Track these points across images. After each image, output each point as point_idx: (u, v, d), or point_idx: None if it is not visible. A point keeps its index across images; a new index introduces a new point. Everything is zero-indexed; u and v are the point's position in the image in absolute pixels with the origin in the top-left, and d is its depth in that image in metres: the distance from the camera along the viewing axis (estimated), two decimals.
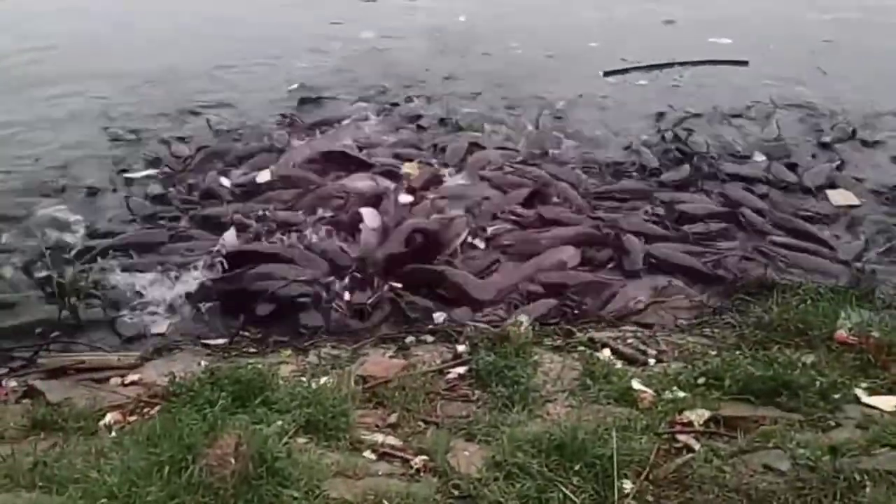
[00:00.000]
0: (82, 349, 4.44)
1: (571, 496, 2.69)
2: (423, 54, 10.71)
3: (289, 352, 4.23)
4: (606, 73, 9.53)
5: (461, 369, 3.81)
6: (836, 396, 3.36)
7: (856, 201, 6.45)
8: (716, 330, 4.28)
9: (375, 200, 6.27)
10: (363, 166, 6.91)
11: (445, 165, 7.03)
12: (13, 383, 3.93)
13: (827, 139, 7.69)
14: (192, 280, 5.34)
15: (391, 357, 4.07)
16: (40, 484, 2.77)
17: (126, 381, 3.87)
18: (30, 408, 3.54)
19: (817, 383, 3.39)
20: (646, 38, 11.18)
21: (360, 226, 5.78)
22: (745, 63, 9.83)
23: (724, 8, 12.56)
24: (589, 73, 9.68)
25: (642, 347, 4.10)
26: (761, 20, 11.79)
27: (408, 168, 6.83)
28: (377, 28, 11.89)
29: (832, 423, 3.21)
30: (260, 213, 6.15)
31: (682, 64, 9.83)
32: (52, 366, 4.05)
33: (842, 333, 3.92)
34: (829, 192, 6.57)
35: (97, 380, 3.89)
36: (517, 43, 11.04)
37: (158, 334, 4.51)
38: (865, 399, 3.39)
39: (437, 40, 11.20)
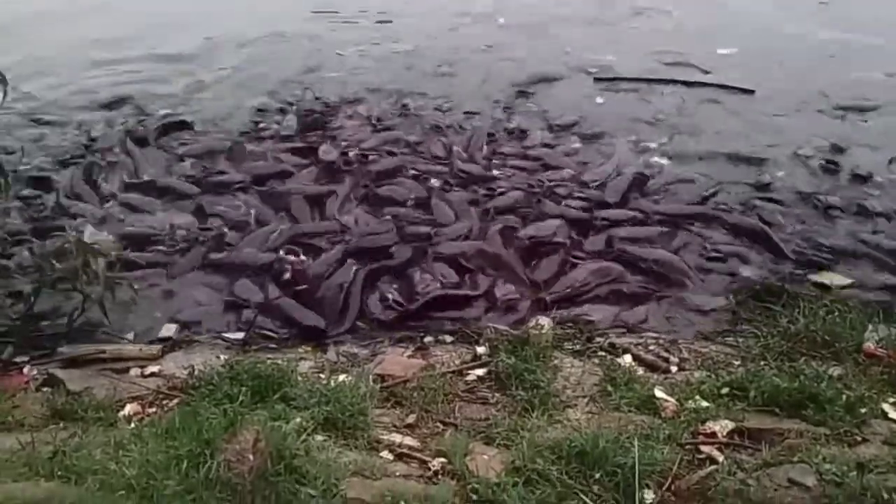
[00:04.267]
0: (103, 339, 4.42)
1: None
2: None
3: (308, 347, 4.22)
4: (598, 80, 9.13)
5: (480, 371, 3.78)
6: (863, 411, 3.30)
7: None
8: (740, 339, 4.20)
9: None
10: None
11: None
12: (34, 371, 3.94)
13: None
14: None
15: (410, 356, 4.04)
16: (59, 473, 2.78)
17: (146, 373, 3.87)
18: (50, 396, 3.55)
19: (844, 397, 3.33)
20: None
21: None
22: (751, 92, 8.73)
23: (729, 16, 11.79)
24: None
25: (664, 354, 4.03)
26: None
27: None
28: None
29: (859, 439, 3.15)
30: None
31: (683, 83, 8.94)
32: (73, 355, 4.06)
33: (869, 346, 3.86)
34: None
35: (117, 370, 3.89)
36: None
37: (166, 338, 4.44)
38: (893, 414, 3.33)
39: None
